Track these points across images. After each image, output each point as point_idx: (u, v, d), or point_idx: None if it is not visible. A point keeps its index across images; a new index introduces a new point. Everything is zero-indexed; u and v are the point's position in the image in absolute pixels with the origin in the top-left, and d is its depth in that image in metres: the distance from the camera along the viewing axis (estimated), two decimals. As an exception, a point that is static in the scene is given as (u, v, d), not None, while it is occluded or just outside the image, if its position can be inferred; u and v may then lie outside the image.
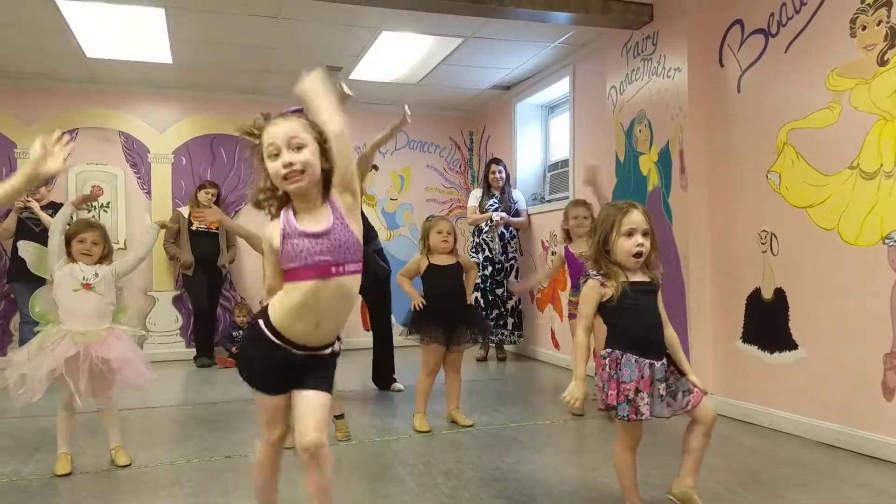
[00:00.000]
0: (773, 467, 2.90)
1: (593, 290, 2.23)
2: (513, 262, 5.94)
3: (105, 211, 6.09)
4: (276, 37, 4.98)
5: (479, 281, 5.82)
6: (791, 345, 3.41)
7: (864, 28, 3.05)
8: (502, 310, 5.88)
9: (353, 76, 5.90)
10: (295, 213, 1.76)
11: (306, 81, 1.75)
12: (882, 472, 2.81)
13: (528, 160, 6.51)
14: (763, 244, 3.58)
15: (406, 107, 3.42)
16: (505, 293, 5.88)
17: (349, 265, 1.74)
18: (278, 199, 1.79)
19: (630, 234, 2.19)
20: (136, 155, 6.27)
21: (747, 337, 3.69)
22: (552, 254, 5.71)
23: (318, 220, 1.74)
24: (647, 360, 2.17)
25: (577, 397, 2.16)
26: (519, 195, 6.11)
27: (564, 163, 5.94)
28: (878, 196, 2.96)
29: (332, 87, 1.77)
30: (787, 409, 3.42)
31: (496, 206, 5.89)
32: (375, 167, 5.37)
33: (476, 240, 5.93)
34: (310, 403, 1.77)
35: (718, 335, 3.88)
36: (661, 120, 4.14)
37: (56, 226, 2.93)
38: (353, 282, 1.78)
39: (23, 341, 5.35)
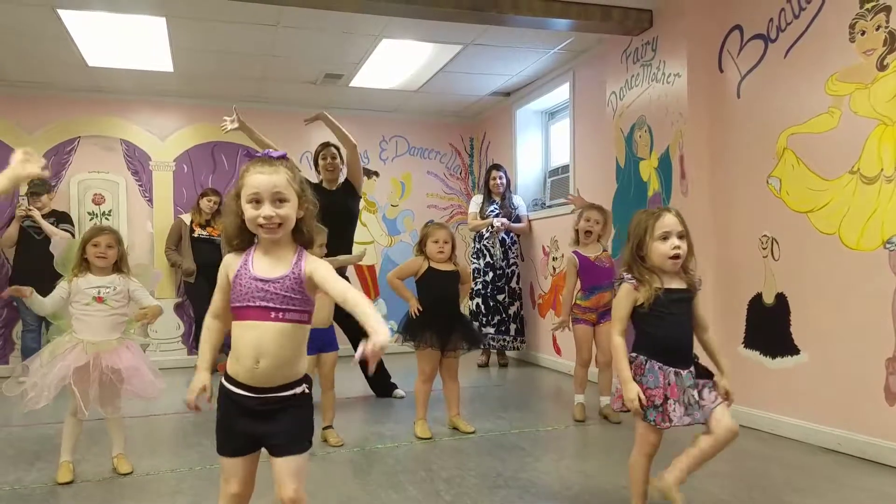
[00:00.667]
0: (776, 472, 2.89)
1: (627, 294, 2.22)
2: (514, 267, 5.94)
3: (107, 218, 6.10)
4: (276, 45, 5.00)
5: (480, 287, 5.83)
6: (793, 350, 3.41)
7: (863, 33, 3.05)
8: (504, 315, 5.88)
9: (353, 83, 5.93)
10: (256, 250, 1.76)
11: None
12: (884, 476, 2.80)
13: (529, 166, 6.52)
14: (764, 249, 3.58)
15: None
16: (506, 299, 5.88)
17: (290, 314, 1.72)
18: (249, 238, 1.78)
19: (665, 237, 2.18)
20: (137, 163, 6.28)
21: (749, 342, 3.68)
22: (553, 259, 5.71)
23: (276, 267, 1.73)
24: (673, 369, 2.16)
25: (631, 398, 2.14)
26: (519, 201, 6.12)
27: (565, 168, 5.95)
28: (878, 200, 2.96)
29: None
30: (789, 414, 3.42)
31: (497, 211, 5.89)
32: (377, 173, 5.38)
33: (477, 246, 5.94)
34: (281, 471, 1.72)
35: (720, 340, 3.82)
36: (661, 125, 4.14)
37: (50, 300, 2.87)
38: (295, 328, 1.74)
39: (25, 349, 5.36)
